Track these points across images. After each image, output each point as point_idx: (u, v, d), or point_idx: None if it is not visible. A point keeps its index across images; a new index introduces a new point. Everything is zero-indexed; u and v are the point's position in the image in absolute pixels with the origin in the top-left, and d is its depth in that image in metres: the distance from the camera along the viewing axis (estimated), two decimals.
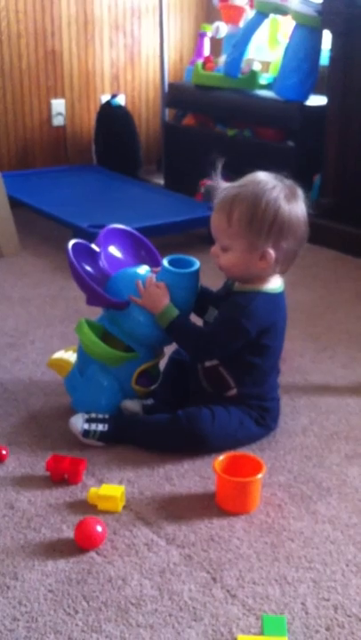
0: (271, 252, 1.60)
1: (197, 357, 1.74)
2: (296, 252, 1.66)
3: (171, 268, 1.71)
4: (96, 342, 1.72)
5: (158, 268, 1.76)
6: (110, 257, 1.82)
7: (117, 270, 1.79)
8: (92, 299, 1.73)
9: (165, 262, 1.73)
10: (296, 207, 1.61)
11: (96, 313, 1.84)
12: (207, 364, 1.71)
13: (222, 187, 1.65)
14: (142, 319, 1.71)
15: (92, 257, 1.79)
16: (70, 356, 1.87)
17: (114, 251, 1.84)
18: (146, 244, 1.88)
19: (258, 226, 1.59)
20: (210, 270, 1.76)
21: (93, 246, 1.80)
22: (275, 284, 1.69)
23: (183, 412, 1.66)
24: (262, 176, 1.63)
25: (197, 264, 1.73)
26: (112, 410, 1.75)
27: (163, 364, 1.87)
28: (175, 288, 1.70)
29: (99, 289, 1.71)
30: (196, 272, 1.72)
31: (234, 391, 1.70)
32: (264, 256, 1.61)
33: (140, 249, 1.88)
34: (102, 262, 1.79)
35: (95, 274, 1.76)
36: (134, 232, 1.90)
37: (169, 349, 1.86)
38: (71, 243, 1.74)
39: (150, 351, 1.77)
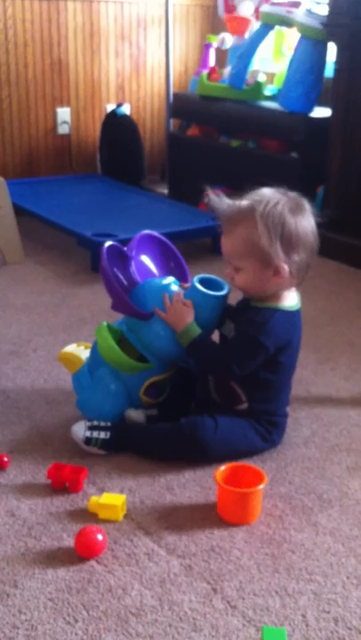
0: (284, 266, 1.60)
1: (218, 376, 1.73)
2: (308, 263, 1.65)
3: (201, 288, 1.70)
4: (113, 348, 1.71)
5: (187, 284, 1.76)
6: (140, 264, 1.81)
7: (145, 279, 1.78)
8: (118, 305, 1.72)
9: (196, 281, 1.72)
10: (302, 219, 1.61)
11: (100, 319, 1.84)
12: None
13: (225, 204, 1.64)
14: (163, 333, 1.71)
15: (123, 261, 1.77)
16: (81, 352, 1.86)
17: (144, 258, 1.83)
18: (176, 256, 1.87)
19: (267, 242, 1.58)
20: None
21: (127, 250, 1.78)
22: (291, 300, 1.68)
23: (186, 420, 1.66)
24: (266, 193, 1.63)
25: (227, 288, 1.72)
26: (115, 416, 1.75)
27: None
28: (202, 309, 1.69)
29: (126, 297, 1.70)
30: (226, 296, 1.72)
31: (245, 405, 1.70)
32: (278, 271, 1.61)
33: (169, 260, 1.87)
34: (132, 269, 1.78)
35: (124, 279, 1.76)
36: (167, 241, 1.88)
37: None
38: (106, 245, 1.72)
39: (164, 364, 1.76)
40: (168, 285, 1.74)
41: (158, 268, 1.85)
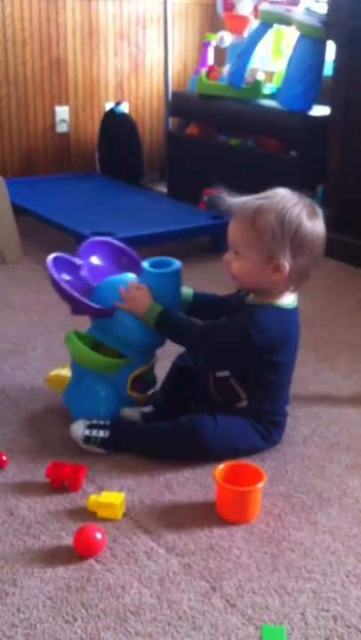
0: (286, 265, 1.60)
1: (194, 349, 1.74)
2: (309, 270, 1.65)
3: (151, 269, 1.72)
4: (86, 351, 1.73)
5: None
6: (93, 268, 1.84)
7: (100, 280, 1.80)
8: (76, 308, 1.74)
9: (146, 264, 1.74)
10: (317, 225, 1.62)
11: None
12: (218, 374, 1.71)
13: (241, 198, 1.64)
14: (130, 323, 1.72)
15: (75, 270, 1.80)
16: (67, 372, 1.88)
17: (96, 261, 1.86)
18: (127, 252, 1.90)
19: (279, 237, 1.58)
20: (218, 279, 1.76)
21: (75, 260, 1.82)
22: (288, 299, 1.68)
23: (185, 419, 1.66)
24: (284, 192, 1.64)
25: (177, 264, 1.74)
26: (112, 418, 1.74)
27: (164, 370, 1.88)
28: (157, 289, 1.71)
29: (81, 298, 1.72)
30: (177, 271, 1.73)
31: (244, 403, 1.70)
32: (278, 268, 1.61)
33: (122, 257, 1.90)
34: (85, 273, 1.81)
35: (78, 285, 1.77)
36: (115, 242, 1.91)
37: (165, 355, 1.86)
38: (51, 256, 1.75)
39: (143, 356, 1.77)
40: (122, 279, 1.76)
41: (112, 268, 1.87)
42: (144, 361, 1.78)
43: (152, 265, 1.74)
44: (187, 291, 1.79)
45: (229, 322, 1.66)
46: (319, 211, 1.64)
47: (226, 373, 1.70)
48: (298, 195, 1.63)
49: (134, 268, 1.84)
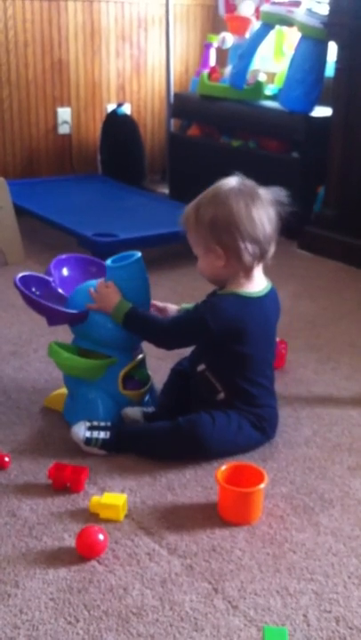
0: (218, 248, 1.63)
1: (158, 345, 1.76)
2: (259, 249, 1.64)
3: (111, 264, 1.74)
4: (69, 358, 1.75)
5: None
6: (63, 280, 1.87)
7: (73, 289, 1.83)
8: (52, 317, 1.76)
9: (108, 262, 1.76)
10: (241, 203, 1.62)
11: None
12: (198, 368, 1.73)
13: None
14: (104, 321, 1.73)
15: (45, 285, 1.83)
16: (65, 392, 1.89)
17: (65, 273, 1.90)
18: (95, 262, 1.93)
19: (201, 224, 1.64)
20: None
21: (44, 276, 1.85)
22: (255, 287, 1.69)
23: (184, 418, 1.67)
24: (224, 180, 1.68)
25: (137, 254, 1.75)
26: (112, 420, 1.75)
27: (164, 373, 1.88)
28: (123, 282, 1.72)
29: (54, 306, 1.74)
30: (138, 261, 1.73)
31: (222, 395, 1.71)
32: (218, 255, 1.64)
33: (90, 267, 1.93)
34: (55, 285, 1.83)
35: (50, 298, 1.80)
36: (81, 255, 1.96)
37: (164, 357, 1.86)
38: (19, 275, 1.78)
39: (125, 352, 1.78)
40: (92, 283, 1.78)
41: (82, 278, 1.88)
42: (128, 357, 1.79)
43: (115, 261, 1.75)
44: (187, 306, 1.84)
45: (191, 312, 1.73)
46: (261, 192, 1.65)
47: (202, 367, 1.72)
48: (238, 179, 1.67)
49: (104, 275, 1.85)
